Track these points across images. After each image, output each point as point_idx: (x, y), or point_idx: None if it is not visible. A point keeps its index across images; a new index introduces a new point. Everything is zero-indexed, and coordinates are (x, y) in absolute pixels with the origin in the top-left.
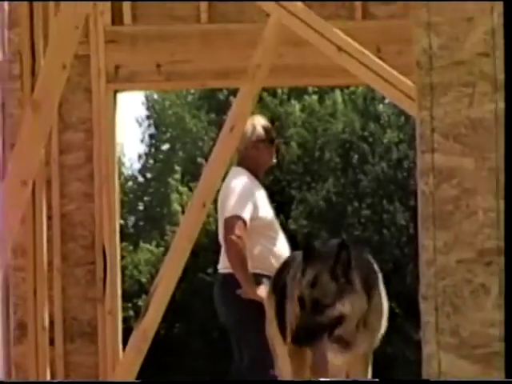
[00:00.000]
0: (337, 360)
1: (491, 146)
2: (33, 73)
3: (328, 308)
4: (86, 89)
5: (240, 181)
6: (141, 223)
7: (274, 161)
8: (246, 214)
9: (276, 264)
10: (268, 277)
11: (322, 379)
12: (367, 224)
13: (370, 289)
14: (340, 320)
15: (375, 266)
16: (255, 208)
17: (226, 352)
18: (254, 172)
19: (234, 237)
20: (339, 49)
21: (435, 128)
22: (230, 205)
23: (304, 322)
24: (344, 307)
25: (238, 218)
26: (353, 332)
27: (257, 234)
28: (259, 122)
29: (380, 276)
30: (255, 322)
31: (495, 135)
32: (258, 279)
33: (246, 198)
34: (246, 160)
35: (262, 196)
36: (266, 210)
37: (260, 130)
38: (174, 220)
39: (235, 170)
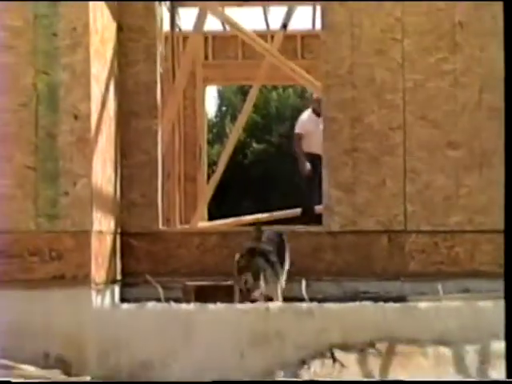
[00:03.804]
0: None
1: (366, 92)
2: (173, 76)
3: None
4: (194, 85)
5: (303, 116)
6: (214, 135)
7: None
8: (300, 130)
9: (318, 151)
10: (317, 155)
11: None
12: None
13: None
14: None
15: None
16: (304, 128)
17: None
18: (315, 112)
19: (296, 140)
20: (292, 70)
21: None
22: (296, 125)
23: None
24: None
25: (297, 133)
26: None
27: (306, 138)
28: (315, 95)
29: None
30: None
31: (365, 88)
32: (310, 157)
33: (301, 123)
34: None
35: (313, 124)
36: (312, 130)
37: (314, 97)
38: (228, 134)
39: (308, 110)
